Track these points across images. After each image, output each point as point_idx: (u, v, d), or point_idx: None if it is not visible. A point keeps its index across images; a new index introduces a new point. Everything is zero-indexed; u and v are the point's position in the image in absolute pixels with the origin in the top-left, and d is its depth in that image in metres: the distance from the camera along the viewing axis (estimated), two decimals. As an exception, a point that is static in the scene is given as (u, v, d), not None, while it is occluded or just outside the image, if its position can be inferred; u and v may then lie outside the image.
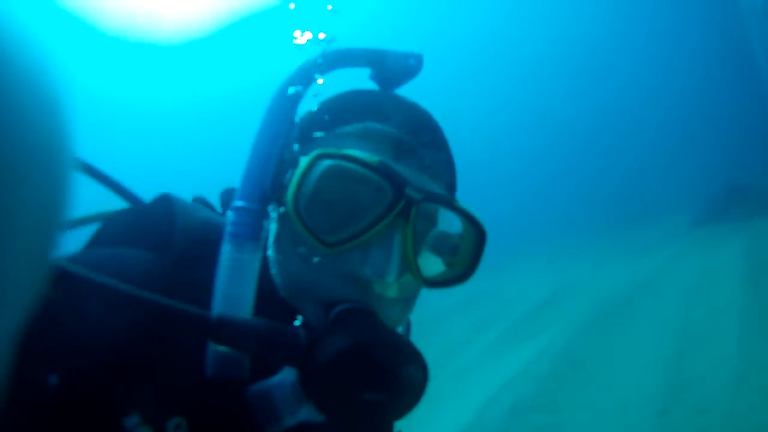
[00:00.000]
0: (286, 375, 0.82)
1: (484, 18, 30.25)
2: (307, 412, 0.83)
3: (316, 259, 0.86)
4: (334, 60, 0.95)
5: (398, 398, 0.83)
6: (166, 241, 0.90)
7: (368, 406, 0.80)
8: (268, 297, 0.86)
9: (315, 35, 1.08)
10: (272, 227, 0.92)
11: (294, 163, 0.86)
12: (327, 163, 0.85)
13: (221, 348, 0.80)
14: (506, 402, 4.89)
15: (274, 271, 0.90)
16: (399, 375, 0.82)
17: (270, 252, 0.92)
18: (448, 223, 0.95)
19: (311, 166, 0.84)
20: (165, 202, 0.97)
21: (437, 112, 1.00)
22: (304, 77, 0.93)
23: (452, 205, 0.91)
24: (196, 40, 27.39)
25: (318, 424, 0.86)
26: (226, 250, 0.85)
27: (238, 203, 0.87)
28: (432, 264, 0.94)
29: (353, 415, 0.80)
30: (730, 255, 9.61)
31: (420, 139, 0.92)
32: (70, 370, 0.73)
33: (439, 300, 11.16)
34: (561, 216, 20.80)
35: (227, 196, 1.08)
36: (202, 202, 1.09)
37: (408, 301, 0.95)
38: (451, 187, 1.00)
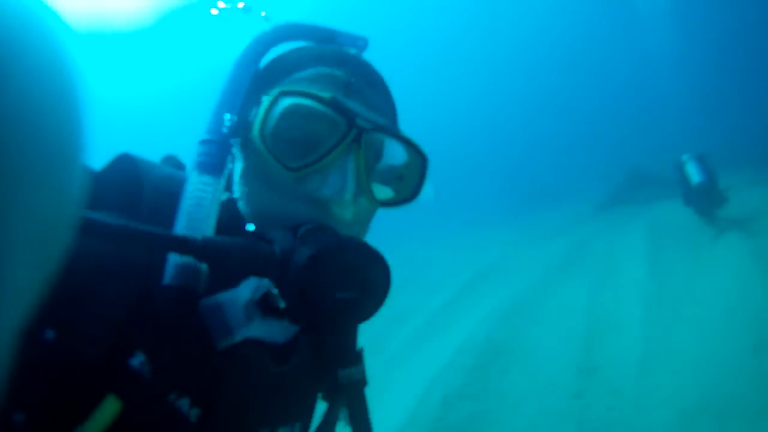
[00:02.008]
0: (240, 291, 0.87)
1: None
2: (258, 329, 0.88)
3: (280, 186, 0.97)
4: (287, 33, 1.08)
5: (369, 296, 0.94)
6: (136, 197, 0.95)
7: (342, 304, 0.90)
8: (231, 232, 0.93)
9: (233, 4, 1.24)
10: (237, 166, 1.03)
11: (257, 102, 0.99)
12: (287, 101, 0.96)
13: (182, 259, 0.85)
14: (438, 394, 5.32)
15: (242, 204, 1.01)
16: (368, 275, 0.93)
17: (237, 188, 1.03)
18: (393, 156, 1.08)
19: (274, 102, 0.96)
20: (126, 161, 1.01)
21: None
22: (260, 48, 1.05)
23: (398, 134, 1.05)
24: (142, 29, 26.20)
25: (269, 342, 0.93)
26: (192, 178, 0.94)
27: (205, 136, 0.98)
28: (381, 193, 1.07)
29: (329, 314, 0.89)
30: (632, 239, 10.37)
31: (366, 80, 1.05)
32: (67, 324, 0.76)
33: None
34: (473, 205, 21.32)
35: (172, 162, 1.15)
36: (173, 161, 1.16)
37: (363, 224, 1.08)
38: (394, 123, 1.12)
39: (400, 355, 7.36)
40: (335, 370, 1.13)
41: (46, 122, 0.33)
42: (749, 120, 19.32)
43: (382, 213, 1.12)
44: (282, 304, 0.86)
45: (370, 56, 1.13)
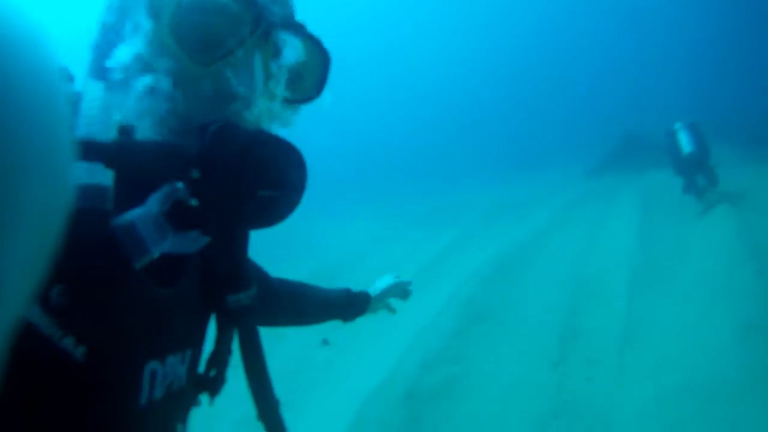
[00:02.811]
0: (149, 206, 0.86)
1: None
2: (172, 243, 0.88)
3: (187, 83, 0.92)
4: None
5: (289, 194, 0.94)
6: None
7: (263, 202, 0.90)
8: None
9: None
10: (139, 65, 0.94)
11: None
12: None
13: (87, 174, 0.81)
14: (417, 356, 5.25)
15: (146, 105, 0.93)
16: (288, 172, 0.93)
17: (140, 89, 0.94)
18: (292, 53, 1.03)
19: None
20: None
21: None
22: None
23: (303, 31, 1.04)
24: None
25: (184, 255, 0.94)
26: (90, 84, 0.89)
27: (98, 37, 0.92)
28: (283, 90, 1.03)
29: (250, 212, 0.89)
30: (622, 207, 10.37)
31: None
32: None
33: (341, 248, 11.46)
34: (459, 163, 21.28)
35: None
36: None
37: (270, 122, 1.04)
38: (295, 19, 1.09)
39: (382, 314, 7.23)
40: (225, 294, 1.08)
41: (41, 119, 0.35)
42: (744, 95, 19.22)
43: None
44: (194, 212, 0.86)
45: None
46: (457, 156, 22.30)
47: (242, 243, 1.11)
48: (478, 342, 5.80)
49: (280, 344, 6.70)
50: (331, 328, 6.55)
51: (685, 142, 9.39)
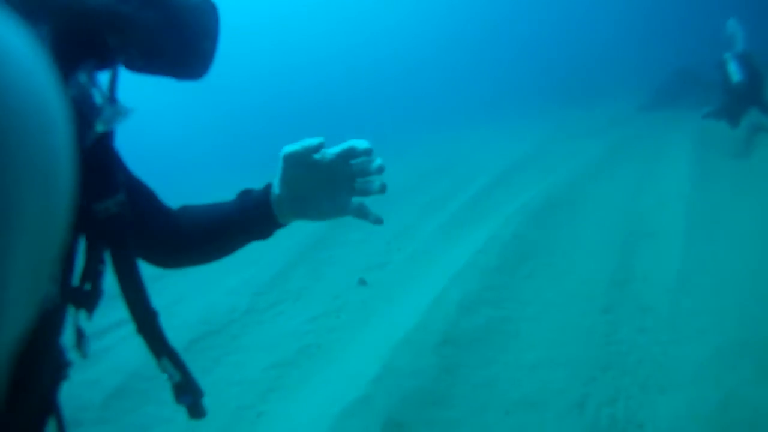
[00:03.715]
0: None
1: None
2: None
3: None
4: None
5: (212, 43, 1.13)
6: None
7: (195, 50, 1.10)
8: None
9: None
10: None
11: None
12: None
13: None
14: (454, 297, 4.96)
15: None
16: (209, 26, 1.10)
17: None
18: None
19: None
20: None
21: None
22: None
23: None
24: None
25: None
26: None
27: None
28: None
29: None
30: (677, 144, 9.79)
31: None
32: None
33: (390, 179, 11.22)
34: (510, 97, 20.78)
35: None
36: None
37: None
38: None
39: (423, 250, 7.04)
40: (91, 201, 1.05)
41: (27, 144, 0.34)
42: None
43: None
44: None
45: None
46: (504, 91, 21.81)
47: (106, 143, 1.07)
48: (523, 283, 5.49)
49: (317, 283, 6.57)
50: (370, 265, 6.41)
51: (734, 71, 8.92)
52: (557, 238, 6.42)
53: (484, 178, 9.66)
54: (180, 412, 1.23)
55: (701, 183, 7.35)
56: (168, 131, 24.43)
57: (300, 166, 1.31)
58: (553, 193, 7.74)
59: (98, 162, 1.03)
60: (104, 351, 5.20)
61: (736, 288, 4.83)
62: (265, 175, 1.50)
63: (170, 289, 6.37)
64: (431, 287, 5.30)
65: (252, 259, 7.21)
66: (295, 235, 8.05)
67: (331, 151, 1.31)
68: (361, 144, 1.30)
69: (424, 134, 16.91)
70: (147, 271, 1.20)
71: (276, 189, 1.37)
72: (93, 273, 1.08)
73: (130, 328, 1.17)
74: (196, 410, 1.22)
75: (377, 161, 1.32)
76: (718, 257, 5.46)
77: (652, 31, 25.17)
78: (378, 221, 1.39)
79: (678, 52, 19.48)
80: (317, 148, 1.30)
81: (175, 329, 5.68)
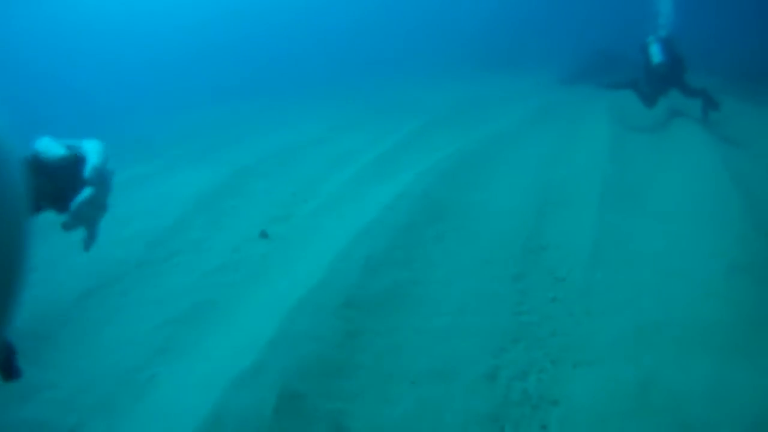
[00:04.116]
0: None
1: None
2: None
3: None
4: None
5: None
6: None
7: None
8: None
9: None
10: None
11: None
12: None
13: None
14: (360, 255, 4.57)
15: None
16: None
17: None
18: None
19: None
20: None
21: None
22: None
23: None
24: None
25: None
26: None
27: None
28: None
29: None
30: (595, 116, 9.76)
31: None
32: None
33: (301, 133, 10.67)
34: (442, 59, 20.75)
35: None
36: None
37: None
38: None
39: (330, 203, 6.62)
40: None
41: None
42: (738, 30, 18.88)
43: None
44: None
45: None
46: (425, 53, 21.78)
47: None
48: (432, 244, 5.16)
49: (217, 234, 6.08)
50: (272, 217, 5.95)
51: (655, 53, 9.22)
52: (470, 200, 6.13)
53: (399, 134, 9.31)
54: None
55: (617, 157, 7.25)
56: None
57: None
58: (467, 153, 7.46)
59: None
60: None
61: (651, 265, 4.68)
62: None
63: (57, 239, 5.66)
64: (335, 244, 4.88)
65: (149, 208, 6.63)
66: (194, 182, 7.48)
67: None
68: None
69: (348, 85, 16.65)
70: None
71: None
72: None
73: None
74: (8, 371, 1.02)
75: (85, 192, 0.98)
76: (633, 232, 5.32)
77: (586, 9, 25.60)
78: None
79: (606, 32, 19.95)
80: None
81: (60, 284, 5.04)
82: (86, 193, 0.95)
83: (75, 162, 0.99)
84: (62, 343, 4.27)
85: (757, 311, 3.80)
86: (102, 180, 0.98)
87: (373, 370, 3.43)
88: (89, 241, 1.01)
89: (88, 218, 0.98)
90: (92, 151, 1.00)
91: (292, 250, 5.47)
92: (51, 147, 0.98)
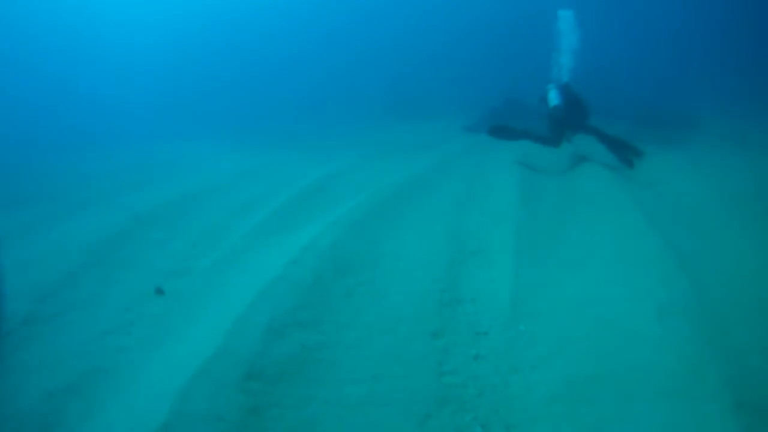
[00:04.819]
0: None
1: None
2: None
3: None
4: None
5: None
6: None
7: None
8: None
9: None
10: None
11: None
12: None
13: None
14: (262, 317, 4.11)
15: None
16: None
17: None
18: None
19: None
20: None
21: None
22: None
23: None
24: None
25: None
26: None
27: None
28: None
29: None
30: (503, 164, 9.77)
31: None
32: None
33: (193, 177, 10.17)
34: (341, 108, 20.95)
35: None
36: None
37: None
38: None
39: (232, 256, 6.15)
40: None
41: None
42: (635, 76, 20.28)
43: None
44: None
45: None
46: (333, 100, 22.06)
47: None
48: (342, 302, 4.77)
49: (109, 289, 5.49)
50: (170, 271, 5.45)
51: (552, 97, 9.60)
52: (379, 252, 5.81)
53: (304, 183, 8.95)
54: None
55: (528, 204, 7.17)
56: None
57: None
58: (375, 203, 7.17)
59: None
60: None
61: (576, 313, 4.49)
62: None
63: None
64: (236, 304, 4.41)
65: (38, 256, 6.14)
66: (89, 229, 6.91)
67: None
68: None
69: (249, 135, 16.14)
70: None
71: None
72: None
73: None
74: None
75: None
76: (552, 279, 5.14)
77: (491, 59, 26.58)
78: None
79: (510, 80, 20.70)
80: None
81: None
82: None
83: None
84: None
85: (694, 353, 3.64)
86: None
87: (282, 455, 2.97)
88: None
89: None
90: None
91: (190, 309, 4.98)
92: None
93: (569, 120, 9.61)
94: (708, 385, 3.29)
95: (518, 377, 3.82)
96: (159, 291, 5.45)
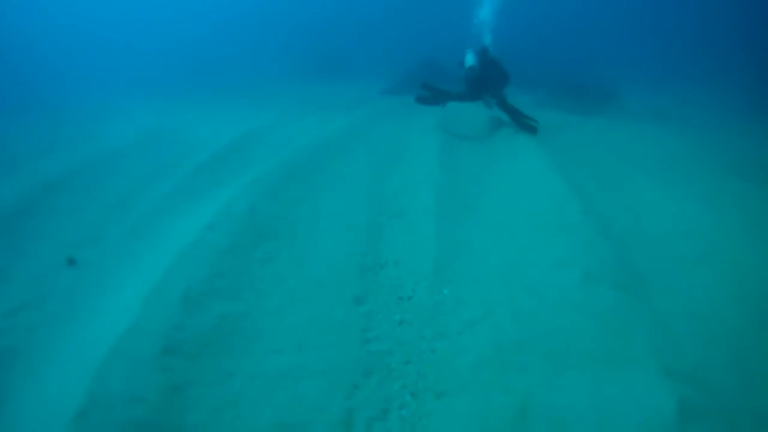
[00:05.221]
0: None
1: None
2: None
3: None
4: None
5: None
6: None
7: None
8: None
9: None
10: None
11: None
12: None
13: None
14: (178, 287, 3.90)
15: None
16: None
17: None
18: None
19: None
20: None
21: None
22: None
23: None
24: None
25: None
26: None
27: None
28: None
29: None
30: (421, 126, 9.72)
31: None
32: None
33: (106, 139, 9.58)
34: (260, 70, 20.48)
35: None
36: None
37: None
38: None
39: (146, 222, 5.85)
40: None
41: None
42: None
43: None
44: None
45: None
46: (255, 64, 21.56)
47: None
48: (261, 269, 4.61)
49: (18, 261, 5.11)
50: (81, 240, 5.13)
51: (468, 59, 9.63)
52: (298, 216, 5.66)
53: (217, 145, 8.59)
54: None
55: (448, 168, 7.12)
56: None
57: None
58: (293, 165, 6.97)
59: None
60: None
61: (501, 278, 4.50)
62: None
63: None
64: (151, 273, 4.18)
65: None
66: None
67: None
68: None
69: (156, 97, 15.46)
70: None
71: None
72: None
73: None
74: None
75: None
76: (475, 244, 5.14)
77: (413, 22, 26.49)
78: None
79: (431, 46, 20.68)
80: None
81: None
82: None
83: None
84: None
85: (619, 318, 3.71)
86: None
87: (207, 434, 2.83)
88: None
89: None
90: None
91: (104, 280, 4.73)
92: None
93: (485, 82, 9.67)
94: (634, 352, 3.37)
95: (445, 343, 3.81)
96: (71, 261, 5.18)
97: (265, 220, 5.38)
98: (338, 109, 12.47)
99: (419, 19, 26.77)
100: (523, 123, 9.28)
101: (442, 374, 3.50)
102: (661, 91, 15.60)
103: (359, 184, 6.61)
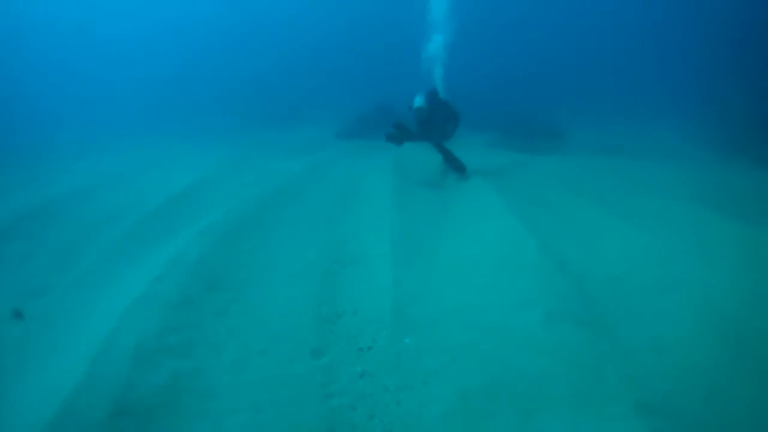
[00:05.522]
0: None
1: None
2: None
3: None
4: None
5: None
6: None
7: None
8: None
9: None
10: None
11: None
12: None
13: None
14: (127, 343, 3.71)
15: None
16: None
17: None
18: None
19: None
20: None
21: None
22: None
23: None
24: None
25: None
26: None
27: None
28: None
29: None
30: (375, 170, 9.72)
31: None
32: None
33: (51, 184, 9.25)
34: (209, 115, 20.36)
35: None
36: None
37: None
38: None
39: (94, 272, 5.64)
40: None
41: None
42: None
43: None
44: None
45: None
46: (201, 108, 21.49)
47: None
48: (213, 322, 4.44)
49: None
50: (28, 291, 4.88)
51: (417, 100, 9.66)
52: (251, 265, 5.52)
53: (167, 193, 8.39)
54: None
55: (403, 211, 7.09)
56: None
57: None
58: (245, 213, 6.84)
59: None
60: None
61: (461, 322, 4.44)
62: None
63: None
64: (100, 327, 3.97)
65: None
66: None
67: None
68: None
69: (105, 141, 15.34)
70: None
71: None
72: None
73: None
74: None
75: None
76: (433, 288, 5.08)
77: (368, 65, 26.76)
78: None
79: (383, 88, 20.90)
80: None
81: None
82: None
83: None
84: None
85: (586, 356, 3.68)
86: None
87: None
88: None
89: None
90: None
91: (53, 333, 4.51)
92: None
93: (434, 123, 9.72)
94: (605, 389, 3.33)
95: (409, 394, 3.70)
96: (17, 314, 5.00)
97: (217, 270, 5.22)
98: (293, 153, 12.47)
99: (374, 62, 27.11)
100: (453, 164, 9.44)
101: (409, 428, 3.38)
102: (609, 129, 16.11)
103: (314, 231, 6.52)
